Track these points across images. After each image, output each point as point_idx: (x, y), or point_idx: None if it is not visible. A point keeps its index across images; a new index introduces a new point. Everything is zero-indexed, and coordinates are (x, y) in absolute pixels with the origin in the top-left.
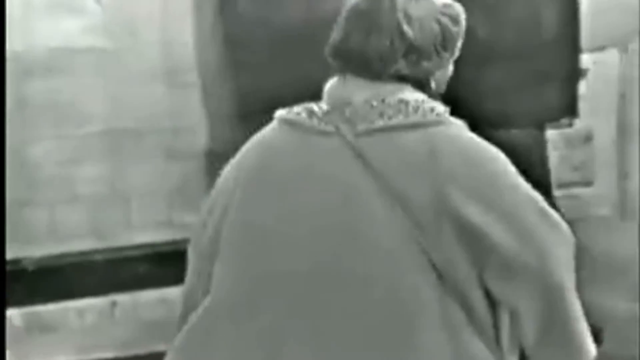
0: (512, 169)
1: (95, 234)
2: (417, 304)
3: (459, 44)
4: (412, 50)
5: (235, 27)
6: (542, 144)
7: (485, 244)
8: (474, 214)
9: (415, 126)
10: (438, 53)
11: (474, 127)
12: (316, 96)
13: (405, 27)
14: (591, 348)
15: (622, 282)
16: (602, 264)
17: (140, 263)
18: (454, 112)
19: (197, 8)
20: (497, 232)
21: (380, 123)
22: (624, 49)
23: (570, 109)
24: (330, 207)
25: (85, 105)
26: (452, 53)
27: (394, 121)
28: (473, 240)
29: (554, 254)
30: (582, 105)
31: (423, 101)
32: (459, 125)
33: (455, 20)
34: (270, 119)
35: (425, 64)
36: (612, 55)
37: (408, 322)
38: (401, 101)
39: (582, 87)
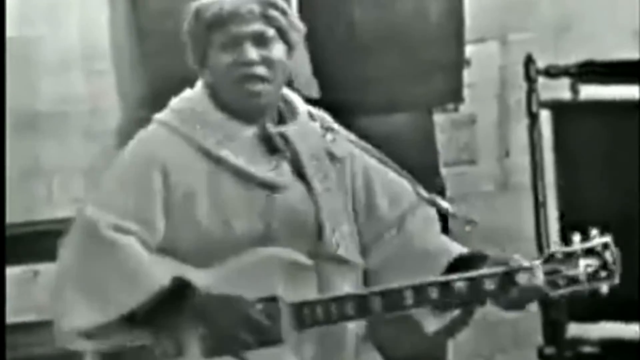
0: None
1: (17, 209)
2: None
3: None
4: None
5: (145, 19)
6: (430, 126)
7: None
8: None
9: None
10: None
11: (366, 113)
12: None
13: None
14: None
15: (507, 248)
16: (487, 235)
17: (60, 235)
18: (345, 99)
19: (111, 1)
20: None
21: None
22: (503, 40)
23: (456, 95)
24: None
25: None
26: None
27: None
28: None
29: None
30: (467, 92)
31: None
32: None
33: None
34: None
35: None
36: (492, 47)
37: None
38: None
39: (467, 75)
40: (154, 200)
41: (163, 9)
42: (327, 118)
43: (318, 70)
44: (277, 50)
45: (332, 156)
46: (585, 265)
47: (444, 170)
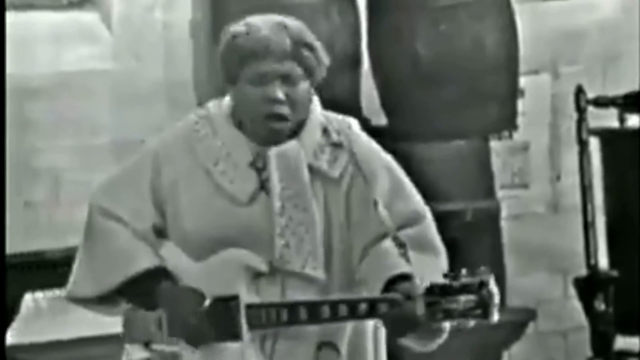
0: None
1: None
2: None
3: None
4: None
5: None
6: (486, 152)
7: None
8: None
9: None
10: None
11: (427, 139)
12: None
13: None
14: None
15: (555, 268)
16: (538, 253)
17: None
18: (408, 127)
19: (193, 34)
20: None
21: None
22: (555, 72)
23: (510, 123)
24: None
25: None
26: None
27: None
28: None
29: None
30: (520, 120)
31: None
32: None
33: None
34: None
35: None
36: (545, 78)
37: None
38: None
39: (520, 104)
40: (145, 198)
41: None
42: (347, 134)
43: (384, 100)
44: (302, 89)
45: (320, 174)
46: (464, 300)
47: (499, 193)
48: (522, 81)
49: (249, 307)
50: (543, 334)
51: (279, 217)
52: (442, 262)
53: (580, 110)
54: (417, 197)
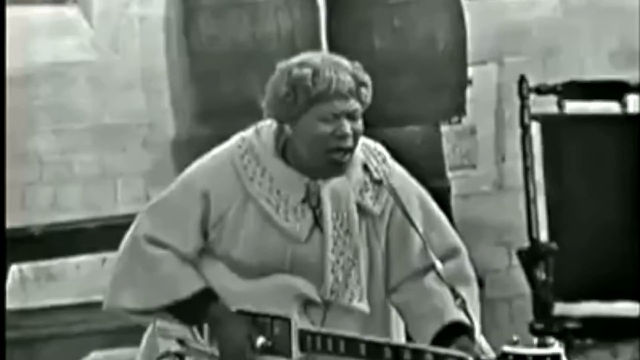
0: None
1: (87, 206)
2: None
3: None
4: None
5: (196, 44)
6: (437, 136)
7: None
8: None
9: None
10: None
11: (384, 125)
12: (260, 98)
13: None
14: None
15: (500, 241)
16: (485, 228)
17: (124, 229)
18: (368, 114)
19: (166, 27)
20: None
21: None
22: (500, 63)
23: (459, 110)
24: None
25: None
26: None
27: None
28: None
29: None
30: (469, 107)
31: None
32: None
33: None
34: (224, 117)
35: None
36: (491, 68)
37: None
38: None
39: (469, 93)
40: (192, 224)
41: (212, 35)
42: (384, 167)
43: None
44: (360, 123)
45: (365, 212)
46: None
47: (449, 173)
48: (470, 71)
49: (303, 331)
50: (490, 300)
51: (331, 253)
52: (476, 291)
53: (523, 98)
54: (450, 229)
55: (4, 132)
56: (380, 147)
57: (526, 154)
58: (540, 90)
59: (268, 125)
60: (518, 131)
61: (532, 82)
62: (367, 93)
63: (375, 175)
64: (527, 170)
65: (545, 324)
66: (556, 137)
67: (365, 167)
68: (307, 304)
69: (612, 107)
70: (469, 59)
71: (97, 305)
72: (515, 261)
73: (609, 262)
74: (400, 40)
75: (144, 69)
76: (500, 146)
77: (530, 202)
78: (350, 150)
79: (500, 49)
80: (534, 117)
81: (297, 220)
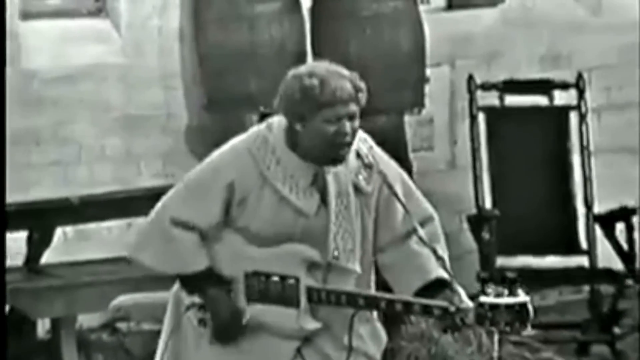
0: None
1: (117, 181)
2: None
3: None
4: None
5: (204, 49)
6: (401, 124)
7: None
8: None
9: None
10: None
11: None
12: (257, 92)
13: None
14: None
15: (453, 209)
16: (440, 199)
17: (148, 199)
18: None
19: (180, 36)
20: None
21: None
22: (452, 65)
23: (420, 102)
24: None
25: (111, 100)
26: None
27: None
28: None
29: None
30: (427, 100)
31: None
32: None
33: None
34: (228, 108)
35: None
36: (445, 69)
37: None
38: None
39: (427, 88)
40: (216, 205)
41: (217, 42)
42: (372, 155)
43: None
44: (357, 121)
45: (359, 190)
46: (508, 316)
47: (411, 155)
48: (428, 71)
49: (308, 287)
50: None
51: (334, 225)
52: (445, 249)
53: (471, 93)
54: (424, 200)
55: (4, 131)
56: (366, 136)
57: (474, 138)
58: (484, 87)
59: (278, 122)
60: (467, 120)
61: (478, 80)
62: (362, 97)
63: (366, 160)
64: (475, 152)
65: (489, 274)
66: (498, 125)
67: (358, 155)
68: (311, 266)
69: (541, 100)
70: (427, 62)
71: (124, 259)
72: (465, 225)
73: (539, 225)
74: (370, 46)
75: (162, 70)
76: (453, 132)
77: (477, 177)
78: (350, 144)
79: (452, 54)
80: (480, 109)
81: (307, 199)
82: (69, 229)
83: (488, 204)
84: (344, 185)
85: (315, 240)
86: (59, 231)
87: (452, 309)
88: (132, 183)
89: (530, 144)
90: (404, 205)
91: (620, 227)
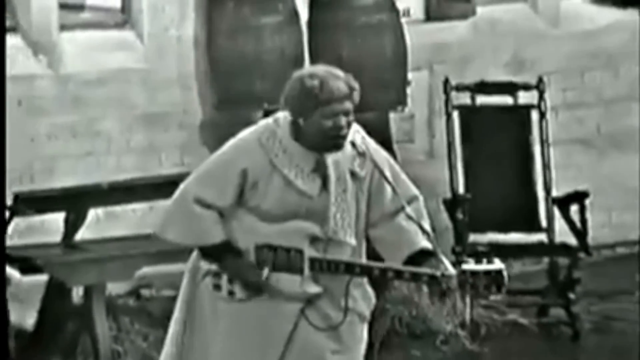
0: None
1: (141, 169)
2: None
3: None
4: None
5: (215, 55)
6: (387, 120)
7: None
8: None
9: None
10: None
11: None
12: (261, 92)
13: None
14: None
15: (430, 193)
16: (420, 185)
17: (167, 185)
18: None
19: (195, 44)
20: None
21: None
22: (430, 69)
23: (402, 101)
24: None
25: (135, 99)
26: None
27: None
28: None
29: None
30: (409, 99)
31: None
32: None
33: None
34: (236, 106)
35: None
36: (424, 73)
37: None
38: None
39: (409, 89)
40: (231, 188)
41: (227, 49)
42: (365, 144)
43: None
44: (352, 116)
45: (354, 175)
46: (487, 281)
47: (395, 146)
48: (410, 75)
49: (311, 257)
50: None
51: (333, 206)
52: (429, 224)
53: (447, 93)
54: (409, 182)
55: (4, 131)
56: (359, 128)
57: (449, 132)
58: (458, 88)
59: (284, 116)
60: (443, 117)
61: (453, 83)
62: (356, 95)
63: (360, 149)
64: (450, 144)
65: (462, 248)
66: (470, 121)
67: (353, 144)
68: (313, 240)
69: (507, 100)
70: (409, 66)
71: (147, 236)
72: (442, 207)
73: (505, 206)
74: (360, 53)
75: (179, 73)
76: (431, 127)
77: (452, 166)
78: (345, 137)
79: (430, 60)
80: (455, 107)
81: (310, 183)
82: (100, 210)
83: (461, 189)
84: (342, 171)
85: (317, 218)
86: (91, 212)
87: (438, 274)
88: (154, 171)
89: (498, 137)
90: (392, 187)
91: (574, 208)
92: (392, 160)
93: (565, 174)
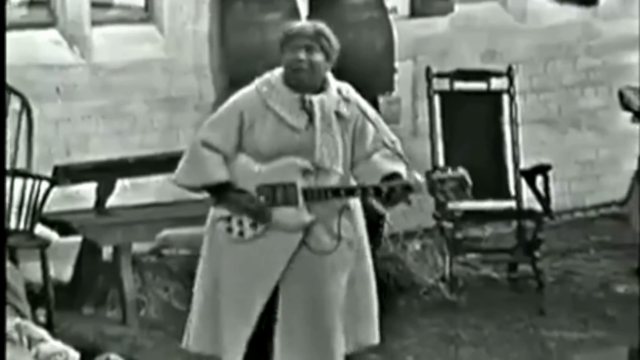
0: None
1: (162, 145)
2: None
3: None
4: None
5: (228, 46)
6: (376, 104)
7: None
8: None
9: None
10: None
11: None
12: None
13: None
14: None
15: (413, 168)
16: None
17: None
18: None
19: (209, 37)
20: None
21: None
22: (415, 59)
23: (390, 87)
24: None
25: (156, 85)
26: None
27: None
28: None
29: None
30: (396, 86)
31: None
32: None
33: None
34: (244, 87)
35: None
36: (409, 63)
37: None
38: None
39: (396, 77)
40: (233, 130)
41: (237, 41)
42: (351, 93)
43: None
44: (318, 58)
45: (339, 115)
46: (453, 185)
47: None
48: (397, 64)
49: (303, 188)
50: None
51: (319, 138)
52: (406, 161)
53: (429, 80)
54: (388, 129)
55: (4, 126)
56: (348, 85)
57: (431, 114)
58: (439, 76)
59: (280, 68)
60: (426, 101)
61: (434, 71)
62: (326, 42)
63: (344, 94)
64: (432, 125)
65: (442, 214)
66: (449, 104)
67: (339, 91)
68: (304, 172)
69: (481, 85)
70: (395, 57)
71: (167, 204)
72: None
73: (480, 177)
74: (353, 45)
75: (195, 63)
76: (415, 110)
77: (433, 143)
78: (304, 70)
79: (414, 51)
80: (436, 92)
81: (298, 118)
82: (127, 181)
83: (441, 162)
84: (327, 110)
85: (306, 152)
86: (119, 183)
87: (412, 182)
88: (173, 147)
89: (473, 118)
90: (375, 126)
91: (539, 179)
92: (373, 110)
93: (531, 150)
